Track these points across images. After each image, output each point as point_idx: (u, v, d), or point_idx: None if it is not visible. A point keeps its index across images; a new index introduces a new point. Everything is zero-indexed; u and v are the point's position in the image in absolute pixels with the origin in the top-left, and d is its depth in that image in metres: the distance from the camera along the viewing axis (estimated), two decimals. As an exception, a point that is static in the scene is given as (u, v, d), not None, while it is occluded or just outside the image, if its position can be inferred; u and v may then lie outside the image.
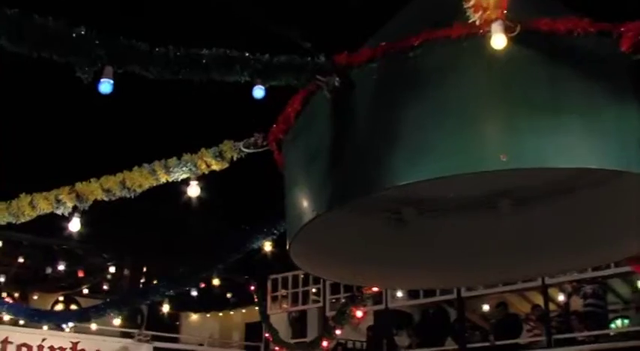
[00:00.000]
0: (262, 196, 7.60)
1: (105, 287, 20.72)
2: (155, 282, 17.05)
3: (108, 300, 13.18)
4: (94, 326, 20.38)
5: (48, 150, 9.78)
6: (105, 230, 16.71)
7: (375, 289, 10.19)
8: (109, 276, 20.33)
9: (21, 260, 19.08)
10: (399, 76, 4.80)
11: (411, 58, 4.69)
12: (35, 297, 20.90)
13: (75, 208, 6.00)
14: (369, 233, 6.70)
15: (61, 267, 18.54)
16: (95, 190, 5.87)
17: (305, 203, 5.15)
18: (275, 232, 7.27)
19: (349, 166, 4.86)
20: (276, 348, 15.72)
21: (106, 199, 5.96)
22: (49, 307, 20.01)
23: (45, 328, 15.76)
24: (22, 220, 6.10)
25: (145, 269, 19.98)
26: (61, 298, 21.79)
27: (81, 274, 19.25)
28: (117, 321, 17.06)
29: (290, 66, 4.65)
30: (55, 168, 7.94)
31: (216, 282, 20.51)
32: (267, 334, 17.29)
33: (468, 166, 4.54)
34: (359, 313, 10.92)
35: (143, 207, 16.75)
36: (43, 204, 5.90)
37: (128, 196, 5.93)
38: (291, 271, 20.09)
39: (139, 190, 5.91)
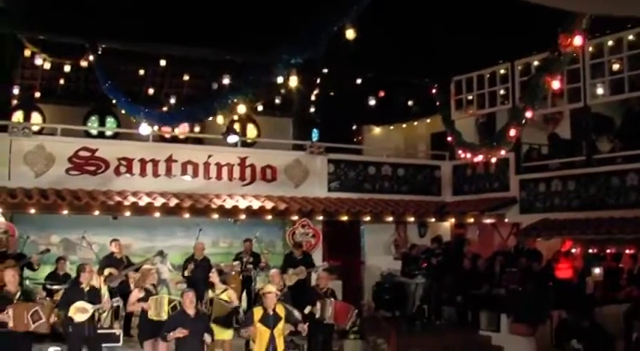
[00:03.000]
0: None
1: (277, 101, 19.24)
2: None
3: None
4: (263, 139, 19.22)
5: None
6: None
7: (576, 41, 7.40)
8: (282, 90, 18.70)
9: (186, 78, 17.92)
10: None
11: None
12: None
13: None
14: None
15: (227, 80, 17.00)
16: None
17: None
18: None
19: None
20: (460, 151, 13.51)
21: None
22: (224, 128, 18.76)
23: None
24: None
25: (317, 80, 18.13)
26: (235, 117, 20.64)
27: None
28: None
29: None
30: None
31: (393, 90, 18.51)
32: (450, 138, 15.11)
33: None
34: (555, 85, 8.20)
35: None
36: None
37: None
38: (475, 71, 17.53)
39: None
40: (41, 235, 14.47)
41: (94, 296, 11.10)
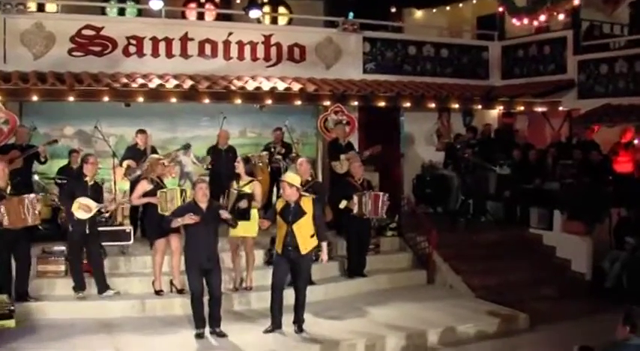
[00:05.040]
0: None
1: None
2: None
3: None
4: (291, 15, 16.93)
5: None
6: None
7: None
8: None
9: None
10: None
11: None
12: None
13: None
14: None
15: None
16: None
17: None
18: None
19: None
20: (514, 19, 11.32)
21: None
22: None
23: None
24: None
25: None
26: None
27: None
28: None
29: None
30: None
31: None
32: (500, 8, 12.78)
33: None
34: None
35: None
36: None
37: None
38: None
39: None
40: (54, 127, 13.08)
41: (96, 192, 9.65)
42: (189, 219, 8.22)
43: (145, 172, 10.05)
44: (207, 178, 10.10)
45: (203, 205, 8.44)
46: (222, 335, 8.59)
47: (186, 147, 12.24)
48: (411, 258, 12.35)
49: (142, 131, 11.70)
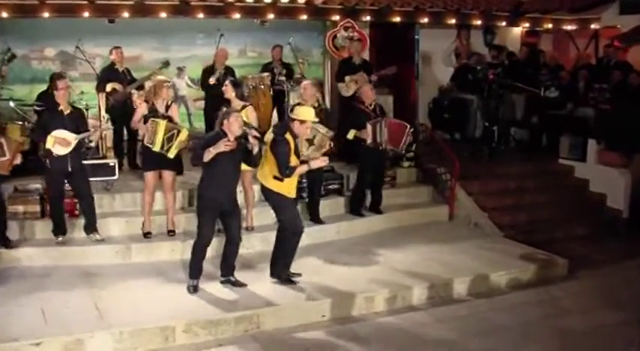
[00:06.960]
0: None
1: None
2: None
3: None
4: None
5: None
6: None
7: None
8: None
9: None
10: None
11: None
12: None
13: None
14: None
15: None
16: None
17: None
18: None
19: None
20: None
21: None
22: None
23: None
24: None
25: None
26: None
27: None
28: None
29: None
30: None
31: None
32: None
33: None
34: None
35: None
36: None
37: None
38: None
39: None
40: (33, 48, 11.85)
41: (75, 122, 8.13)
42: (225, 146, 6.87)
43: (147, 95, 8.56)
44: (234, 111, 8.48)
45: (232, 137, 7.02)
46: (239, 285, 7.49)
47: (166, 64, 10.57)
48: (431, 192, 11.00)
49: (117, 47, 10.17)
